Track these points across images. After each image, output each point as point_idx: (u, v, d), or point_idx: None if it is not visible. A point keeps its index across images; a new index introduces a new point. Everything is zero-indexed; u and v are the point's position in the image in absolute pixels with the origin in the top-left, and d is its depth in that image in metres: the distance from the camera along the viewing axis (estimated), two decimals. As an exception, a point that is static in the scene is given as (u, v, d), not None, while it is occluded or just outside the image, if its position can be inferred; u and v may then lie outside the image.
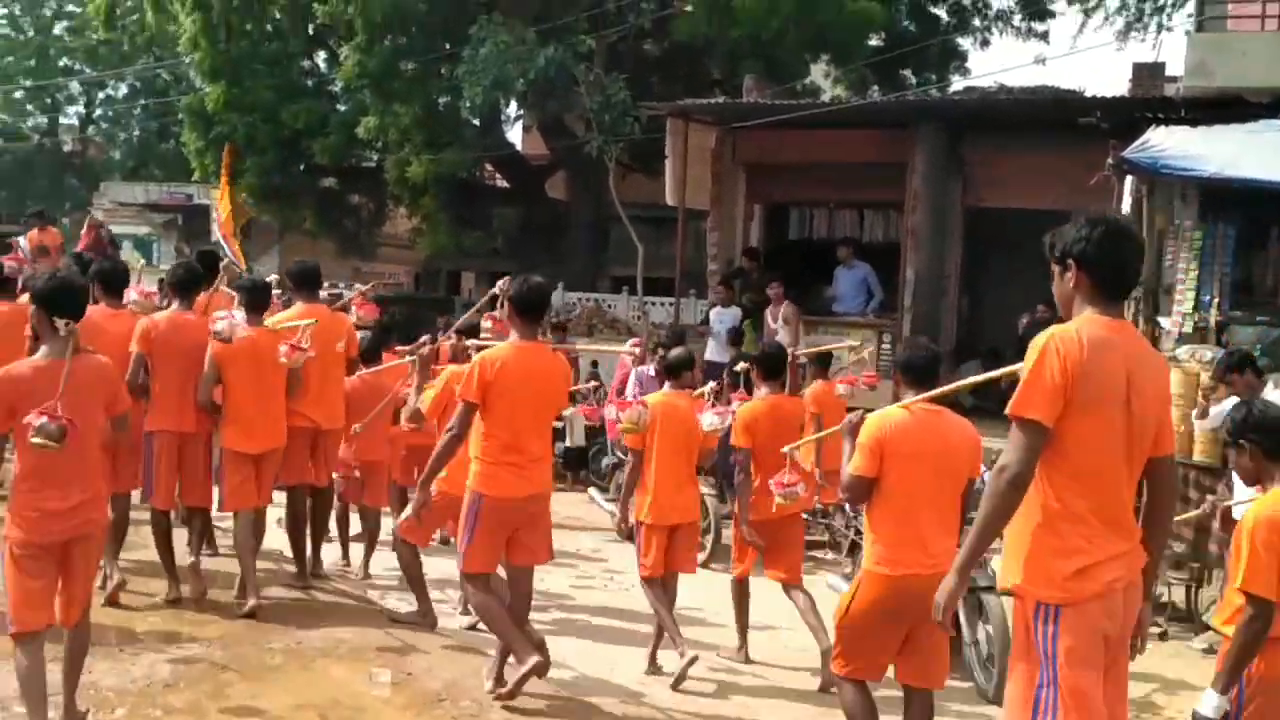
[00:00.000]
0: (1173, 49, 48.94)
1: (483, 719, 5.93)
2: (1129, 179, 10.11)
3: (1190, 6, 18.03)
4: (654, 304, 17.74)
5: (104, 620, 6.78)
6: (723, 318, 14.00)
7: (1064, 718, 3.59)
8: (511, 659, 6.17)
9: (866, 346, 11.47)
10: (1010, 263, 14.69)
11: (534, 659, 6.02)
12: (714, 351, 13.90)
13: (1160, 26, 23.09)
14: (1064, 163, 11.90)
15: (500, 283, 7.01)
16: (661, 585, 7.00)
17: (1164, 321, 10.32)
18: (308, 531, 8.24)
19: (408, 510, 6.51)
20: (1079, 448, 3.69)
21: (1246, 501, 4.66)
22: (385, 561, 8.44)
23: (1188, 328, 10.13)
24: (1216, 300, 10.19)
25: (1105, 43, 27.16)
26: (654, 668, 6.90)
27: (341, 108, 22.70)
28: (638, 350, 10.44)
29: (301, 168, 23.00)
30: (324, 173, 23.72)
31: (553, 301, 17.77)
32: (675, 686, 6.64)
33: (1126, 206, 10.20)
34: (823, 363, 9.93)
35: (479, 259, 25.36)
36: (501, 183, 25.23)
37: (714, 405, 7.21)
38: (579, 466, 13.09)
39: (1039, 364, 3.71)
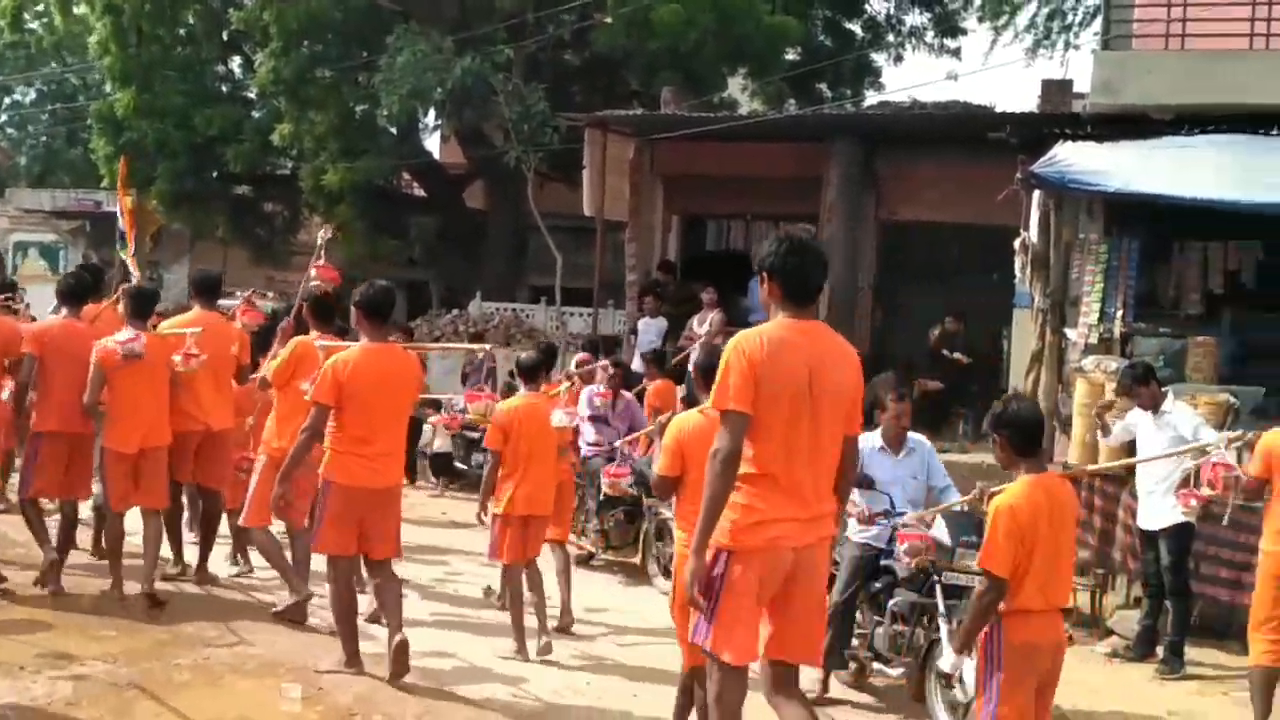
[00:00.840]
0: (1081, 67, 50.09)
1: (395, 733, 5.87)
2: (1037, 193, 10.33)
3: (1097, 25, 18.44)
4: (572, 314, 17.70)
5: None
6: (649, 328, 14.10)
7: (714, 631, 4.38)
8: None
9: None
10: (923, 275, 14.93)
11: (356, 667, 6.49)
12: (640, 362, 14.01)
13: (1068, 45, 23.64)
14: (975, 177, 12.11)
15: (321, 232, 7.54)
16: (525, 575, 7.46)
17: (1070, 333, 10.54)
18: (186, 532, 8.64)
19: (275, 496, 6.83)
20: (761, 430, 4.37)
21: (1000, 489, 5.12)
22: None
23: (1093, 339, 10.37)
24: (1121, 312, 10.43)
25: (1015, 60, 27.75)
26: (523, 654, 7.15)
27: (256, 114, 22.35)
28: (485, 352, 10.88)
29: (214, 174, 22.60)
30: (237, 180, 23.36)
31: (470, 311, 17.68)
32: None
33: (1034, 220, 10.42)
34: (658, 363, 11.34)
35: (395, 268, 25.12)
36: (419, 191, 25.04)
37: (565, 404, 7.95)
38: (445, 472, 13.73)
39: (728, 365, 4.39)
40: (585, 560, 10.10)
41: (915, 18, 24.92)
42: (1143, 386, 8.25)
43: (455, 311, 18.20)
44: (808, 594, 4.52)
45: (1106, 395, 9.01)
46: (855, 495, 6.65)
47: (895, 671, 6.80)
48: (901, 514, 6.76)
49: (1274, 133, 9.88)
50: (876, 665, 6.93)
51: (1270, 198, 8.92)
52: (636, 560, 9.95)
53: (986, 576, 4.84)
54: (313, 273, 7.17)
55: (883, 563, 6.93)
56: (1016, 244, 10.60)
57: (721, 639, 4.37)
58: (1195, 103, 10.63)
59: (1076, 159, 10.09)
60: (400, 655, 6.34)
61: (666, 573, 9.44)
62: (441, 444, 13.50)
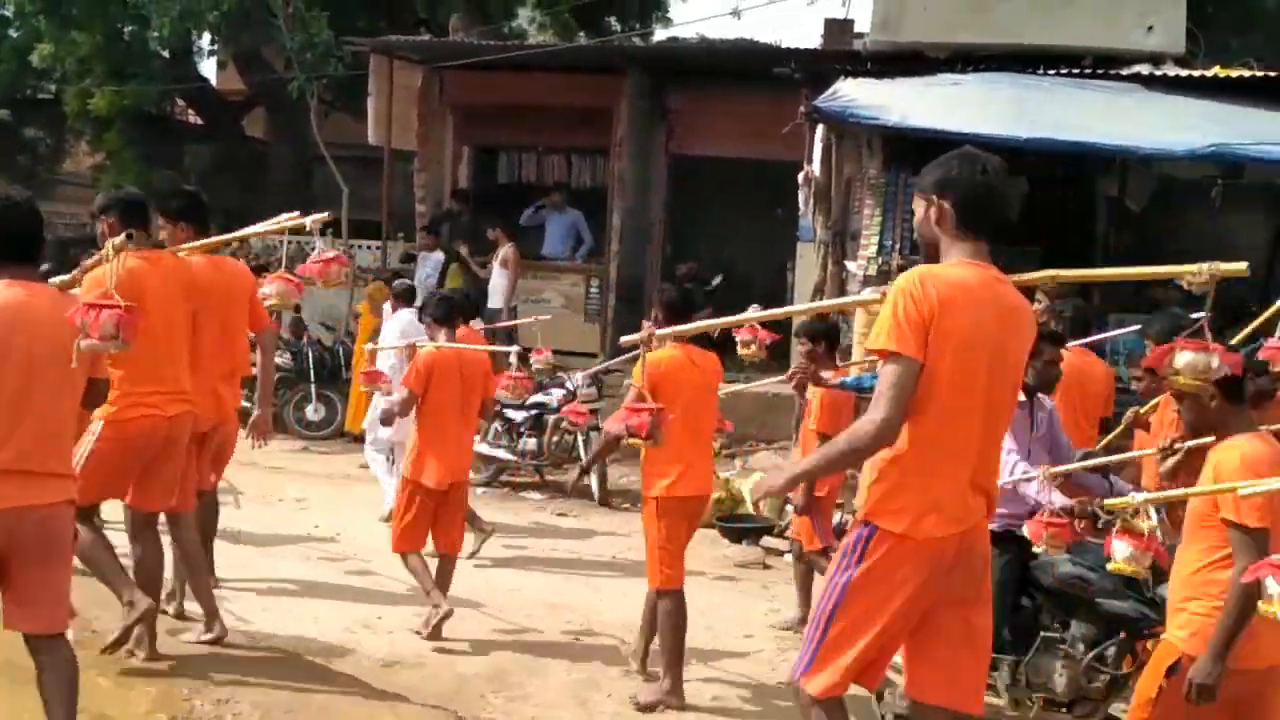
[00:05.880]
0: (862, 6, 51.51)
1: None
2: (820, 127, 10.56)
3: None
4: (361, 247, 17.24)
5: None
6: (426, 262, 14.08)
7: None
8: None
9: None
10: (712, 209, 15.16)
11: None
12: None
13: (847, -16, 24.16)
14: (761, 112, 12.31)
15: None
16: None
17: (850, 265, 10.87)
18: None
19: None
20: None
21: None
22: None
23: (871, 271, 10.71)
24: (898, 245, 10.80)
25: (796, -2, 28.31)
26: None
27: (13, 33, 20.93)
28: None
29: (-35, 97, 21.19)
30: (-7, 103, 21.94)
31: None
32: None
33: (818, 154, 10.66)
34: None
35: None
36: (195, 119, 23.95)
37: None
38: None
39: None
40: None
41: (703, -46, 25.05)
42: None
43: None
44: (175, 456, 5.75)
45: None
46: None
47: None
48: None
49: (1040, 72, 10.33)
50: None
51: (1034, 133, 9.33)
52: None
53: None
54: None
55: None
56: (800, 177, 10.84)
57: None
58: (968, 42, 11.06)
59: (857, 94, 10.34)
60: None
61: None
62: None
